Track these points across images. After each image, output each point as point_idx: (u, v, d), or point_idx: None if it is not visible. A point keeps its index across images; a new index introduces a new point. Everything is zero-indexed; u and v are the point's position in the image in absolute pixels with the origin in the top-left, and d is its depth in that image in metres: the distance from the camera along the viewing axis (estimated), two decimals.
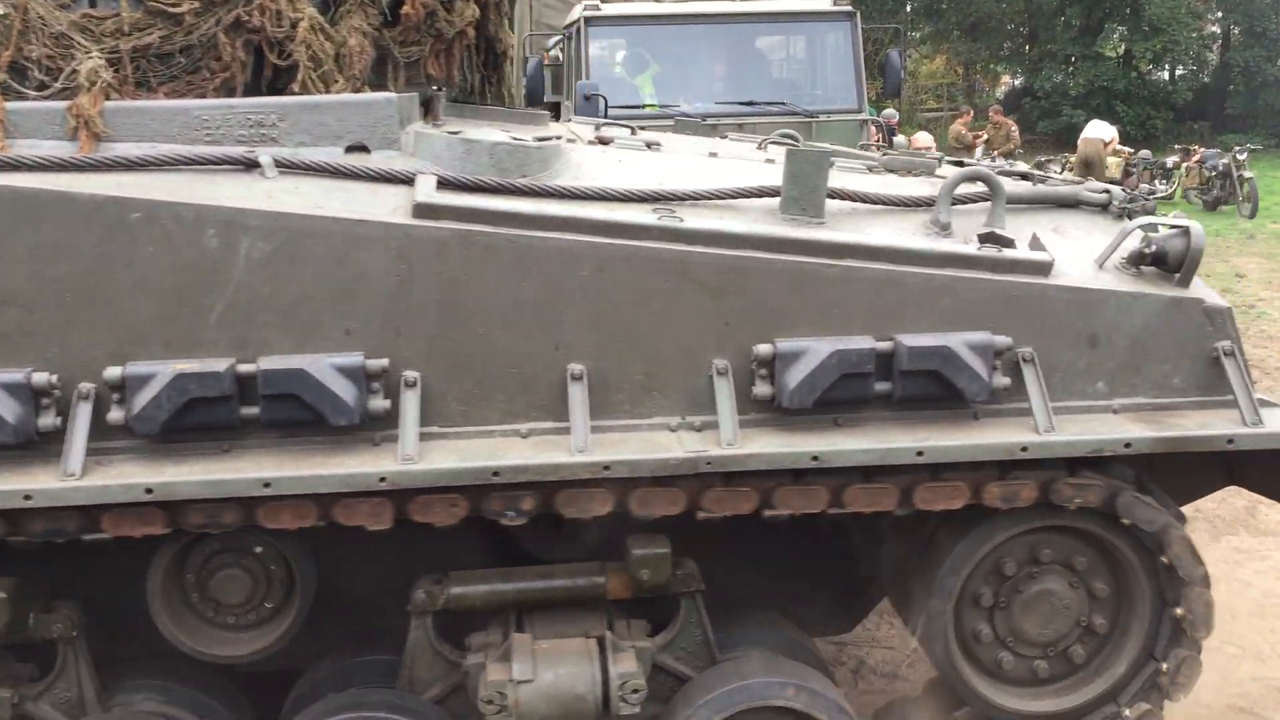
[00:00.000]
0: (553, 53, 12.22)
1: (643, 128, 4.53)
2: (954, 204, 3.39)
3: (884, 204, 3.42)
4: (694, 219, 3.17)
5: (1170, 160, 20.76)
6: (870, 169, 3.86)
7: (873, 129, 12.01)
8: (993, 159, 18.88)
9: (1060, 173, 17.26)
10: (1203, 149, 20.96)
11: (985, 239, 3.28)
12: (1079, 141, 19.67)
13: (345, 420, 2.94)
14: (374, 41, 3.55)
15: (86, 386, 2.92)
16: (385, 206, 3.07)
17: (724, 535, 3.57)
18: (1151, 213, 3.95)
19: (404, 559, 3.48)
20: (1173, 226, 3.27)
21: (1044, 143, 27.39)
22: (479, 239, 3.03)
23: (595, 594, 3.39)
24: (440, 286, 3.04)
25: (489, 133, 3.43)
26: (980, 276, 3.18)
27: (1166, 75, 32.42)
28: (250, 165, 3.10)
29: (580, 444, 3.01)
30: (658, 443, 3.07)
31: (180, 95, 3.34)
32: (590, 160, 3.53)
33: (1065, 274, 3.25)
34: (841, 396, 3.10)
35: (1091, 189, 3.62)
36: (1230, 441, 3.11)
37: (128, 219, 2.92)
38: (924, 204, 3.42)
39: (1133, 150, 20.72)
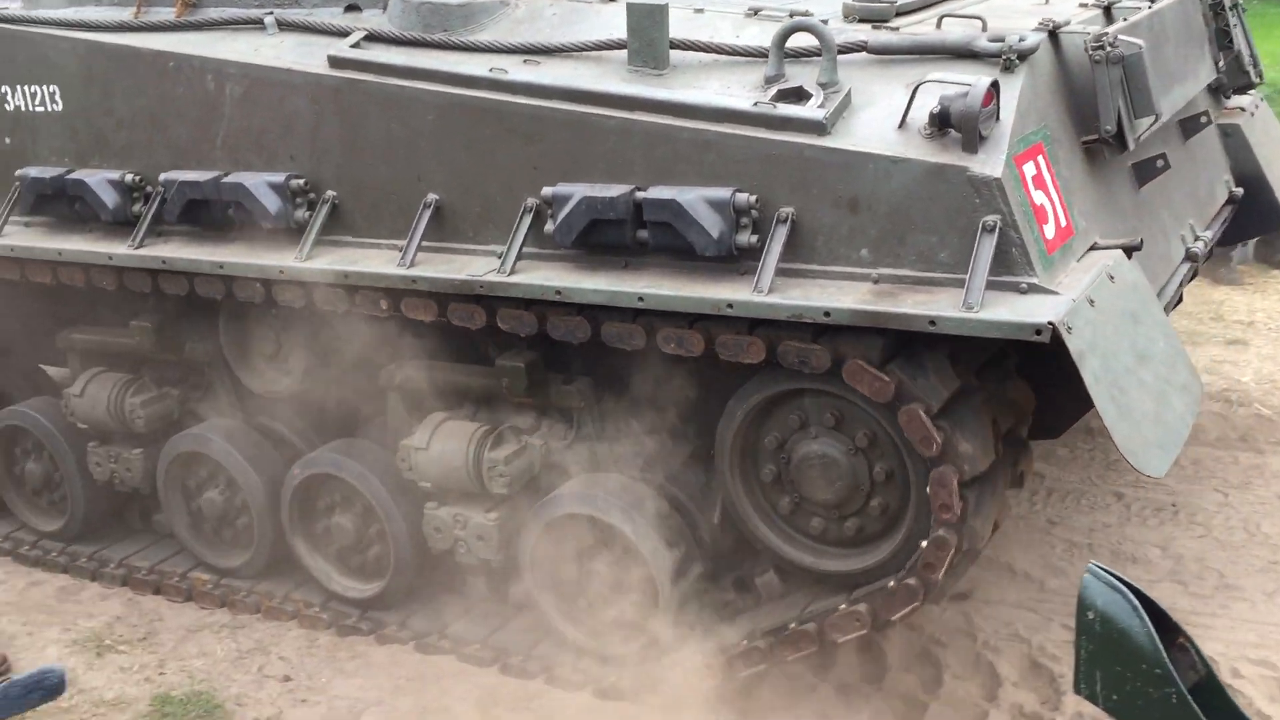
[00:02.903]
0: None
1: None
2: (788, 57, 3.31)
3: (739, 55, 3.43)
4: (536, 72, 3.54)
5: None
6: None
7: None
8: None
9: None
10: None
11: (785, 94, 3.21)
12: None
13: (269, 224, 3.90)
14: None
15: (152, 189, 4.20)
16: (323, 59, 3.88)
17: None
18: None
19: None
20: (960, 84, 2.91)
21: None
22: (362, 86, 3.74)
23: (495, 393, 4.01)
24: (341, 125, 3.82)
25: None
26: (748, 134, 3.17)
27: None
28: (259, 25, 4.08)
29: (408, 261, 3.66)
30: (471, 266, 3.60)
31: None
32: (530, 16, 3.93)
33: (851, 134, 3.09)
34: (604, 240, 3.35)
35: (993, 37, 3.21)
36: (932, 323, 2.83)
37: (168, 67, 4.09)
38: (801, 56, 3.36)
39: None
